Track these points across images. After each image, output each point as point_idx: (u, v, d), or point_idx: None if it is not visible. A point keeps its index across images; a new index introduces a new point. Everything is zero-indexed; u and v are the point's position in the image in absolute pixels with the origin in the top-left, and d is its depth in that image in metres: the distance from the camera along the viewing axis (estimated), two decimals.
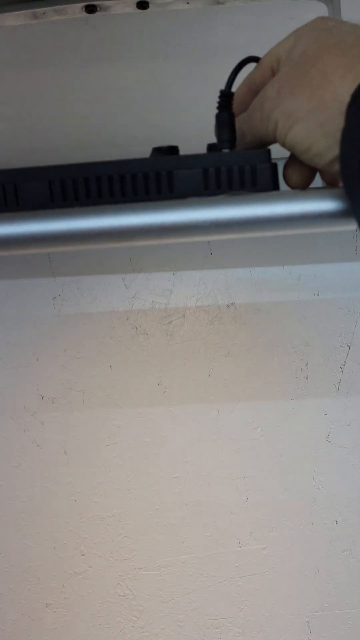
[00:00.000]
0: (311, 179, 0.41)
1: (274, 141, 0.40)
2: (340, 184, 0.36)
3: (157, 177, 0.37)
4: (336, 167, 0.37)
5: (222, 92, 0.41)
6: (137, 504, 0.85)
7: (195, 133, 0.47)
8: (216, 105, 0.41)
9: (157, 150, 0.40)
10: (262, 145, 0.42)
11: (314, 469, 0.85)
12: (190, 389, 0.84)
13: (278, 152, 0.43)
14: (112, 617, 0.87)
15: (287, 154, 0.43)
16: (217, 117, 0.41)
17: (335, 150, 0.37)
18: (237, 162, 0.38)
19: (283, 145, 0.40)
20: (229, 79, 0.40)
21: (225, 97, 0.40)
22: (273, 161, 0.39)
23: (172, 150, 0.41)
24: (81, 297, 0.85)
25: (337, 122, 0.36)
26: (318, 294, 0.84)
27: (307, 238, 0.83)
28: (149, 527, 0.86)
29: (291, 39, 0.42)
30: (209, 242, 0.84)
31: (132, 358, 0.84)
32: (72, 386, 0.85)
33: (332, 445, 0.85)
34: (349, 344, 0.84)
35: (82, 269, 0.84)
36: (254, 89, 0.43)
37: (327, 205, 0.34)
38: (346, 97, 0.36)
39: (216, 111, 0.41)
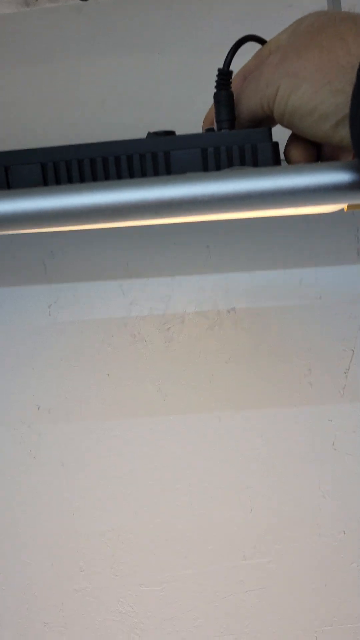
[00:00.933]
0: (314, 157, 0.40)
1: (270, 114, 0.39)
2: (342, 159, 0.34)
3: (153, 158, 0.35)
4: (342, 132, 0.35)
5: (220, 70, 0.39)
6: (137, 517, 0.83)
7: (192, 120, 0.46)
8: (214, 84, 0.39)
9: (154, 134, 0.38)
10: (258, 123, 0.40)
11: (320, 478, 0.82)
12: (191, 397, 0.82)
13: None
14: (113, 635, 0.84)
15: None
16: (216, 96, 0.39)
17: (344, 110, 0.35)
18: (236, 141, 0.36)
19: (282, 114, 0.38)
20: (227, 57, 0.39)
21: (224, 76, 0.39)
22: (274, 140, 0.37)
23: (169, 134, 0.39)
24: (78, 304, 0.82)
25: (348, 78, 0.34)
26: (320, 298, 0.82)
27: (308, 240, 0.81)
28: (149, 542, 0.83)
29: (291, 26, 0.41)
30: (208, 246, 0.82)
31: (130, 366, 0.82)
32: (69, 396, 0.82)
33: (337, 453, 0.82)
34: (352, 349, 0.82)
35: (78, 275, 0.82)
36: None
37: (334, 177, 0.32)
38: None
39: (214, 91, 0.39)
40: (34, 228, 0.34)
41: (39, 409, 0.83)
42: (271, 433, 0.82)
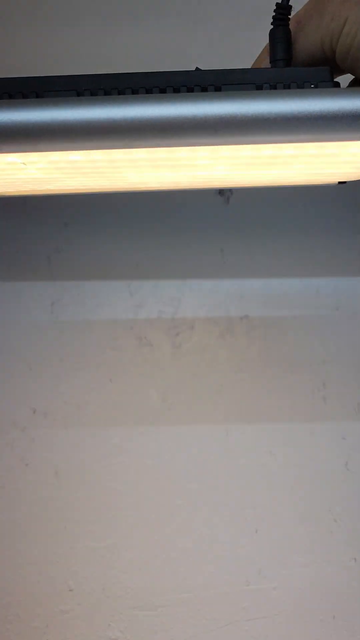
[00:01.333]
0: None
1: (331, 54, 0.35)
2: None
3: (203, 92, 0.32)
4: None
5: (278, 4, 0.35)
6: (134, 533, 0.77)
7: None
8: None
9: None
10: (314, 64, 0.36)
11: (331, 500, 0.77)
12: (198, 407, 0.77)
13: None
14: None
15: None
16: (272, 33, 0.36)
17: None
18: (295, 78, 0.32)
19: (347, 52, 0.34)
20: None
21: (283, 10, 0.35)
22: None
23: None
24: (82, 304, 0.78)
25: None
26: (337, 309, 0.78)
27: (327, 249, 0.78)
28: (146, 561, 0.77)
29: None
30: (222, 250, 0.78)
31: (134, 371, 0.77)
32: (68, 400, 0.77)
33: (351, 473, 0.77)
34: None
35: (85, 273, 0.78)
36: None
37: None
38: None
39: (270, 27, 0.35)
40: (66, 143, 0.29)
41: (34, 412, 0.78)
42: (281, 449, 0.77)
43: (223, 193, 0.78)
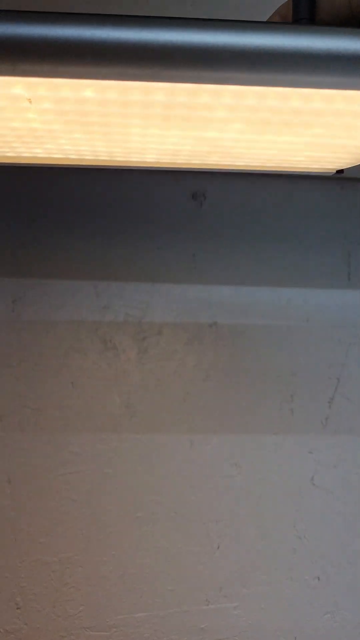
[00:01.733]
0: None
1: (358, 12, 0.34)
2: None
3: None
4: None
5: None
6: (89, 547, 0.72)
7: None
8: None
9: None
10: (342, 22, 0.35)
11: (296, 516, 0.75)
12: (162, 416, 0.74)
13: None
14: None
15: None
16: None
17: None
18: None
19: None
20: None
21: None
22: None
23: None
24: (46, 303, 0.74)
25: None
26: (307, 321, 0.77)
27: (299, 260, 0.77)
28: (101, 577, 0.72)
29: None
30: (194, 255, 0.76)
31: (98, 375, 0.74)
32: (26, 403, 0.73)
33: (316, 489, 0.75)
34: (338, 377, 0.77)
35: (50, 270, 0.74)
36: None
37: None
38: None
39: None
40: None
41: None
42: (247, 462, 0.75)
43: (196, 197, 0.76)
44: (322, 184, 0.76)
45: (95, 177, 0.73)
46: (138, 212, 0.74)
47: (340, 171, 0.48)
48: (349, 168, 0.56)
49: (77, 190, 0.73)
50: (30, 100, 0.33)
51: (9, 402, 0.73)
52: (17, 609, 0.72)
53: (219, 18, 0.29)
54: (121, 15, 0.28)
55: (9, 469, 0.72)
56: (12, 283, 0.74)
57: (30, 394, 0.73)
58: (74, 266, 0.74)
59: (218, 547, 0.74)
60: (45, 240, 0.74)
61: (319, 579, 0.74)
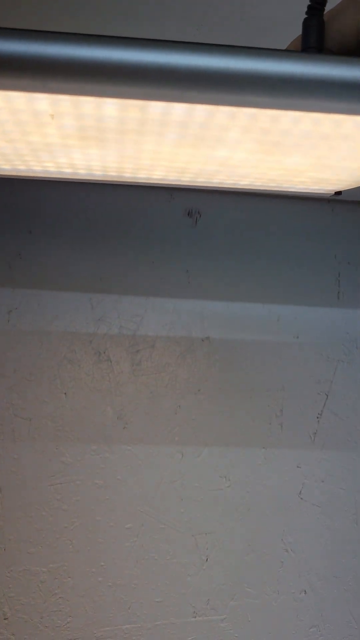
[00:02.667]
0: None
1: None
2: None
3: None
4: None
5: None
6: (78, 558, 0.73)
7: None
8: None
9: None
10: (346, 54, 0.37)
11: (284, 529, 0.76)
12: (154, 428, 0.75)
13: None
14: None
15: None
16: (306, 22, 0.36)
17: None
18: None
19: None
20: None
21: (319, 4, 0.36)
22: None
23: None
24: (41, 313, 0.75)
25: None
26: (297, 337, 0.79)
27: (290, 278, 0.79)
28: (89, 588, 0.73)
29: None
30: (187, 271, 0.78)
31: (91, 386, 0.75)
32: (18, 412, 0.73)
33: (304, 503, 0.76)
34: (326, 392, 0.78)
35: (46, 282, 0.75)
36: None
37: None
38: None
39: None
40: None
41: None
42: (236, 475, 0.76)
43: (191, 214, 0.78)
44: (314, 205, 0.78)
45: (92, 191, 0.74)
46: (134, 227, 0.76)
47: (338, 193, 0.50)
48: (346, 190, 0.58)
49: (73, 203, 0.74)
50: (52, 116, 0.34)
51: (2, 411, 0.73)
52: (5, 619, 0.72)
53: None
54: (145, 39, 0.30)
55: (0, 477, 0.72)
56: (7, 293, 0.75)
57: (23, 403, 0.74)
58: (69, 278, 0.75)
59: (206, 560, 0.74)
60: (41, 251, 0.74)
61: (305, 592, 0.75)
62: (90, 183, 0.74)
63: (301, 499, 0.76)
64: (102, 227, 0.75)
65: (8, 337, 0.74)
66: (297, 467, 0.77)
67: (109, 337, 0.76)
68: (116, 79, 0.29)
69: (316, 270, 0.79)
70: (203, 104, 0.31)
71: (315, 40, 0.36)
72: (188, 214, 0.78)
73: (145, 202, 0.76)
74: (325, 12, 0.38)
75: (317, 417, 0.78)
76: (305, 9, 0.37)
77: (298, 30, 0.42)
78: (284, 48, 0.41)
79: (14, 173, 0.48)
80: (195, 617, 0.74)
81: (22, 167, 0.46)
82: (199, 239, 0.77)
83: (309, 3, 0.37)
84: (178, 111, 0.33)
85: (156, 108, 0.32)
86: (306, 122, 0.34)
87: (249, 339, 0.78)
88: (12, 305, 0.75)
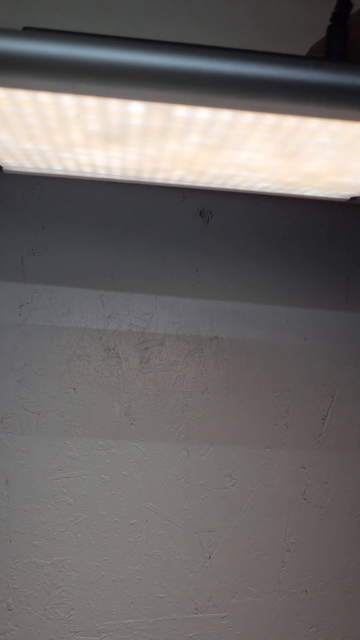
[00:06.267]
0: None
1: None
2: None
3: None
4: None
5: (340, 1, 0.37)
6: (83, 552, 0.73)
7: None
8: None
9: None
10: None
11: (287, 529, 0.76)
12: (161, 425, 0.76)
13: None
14: None
15: None
16: (330, 29, 0.37)
17: None
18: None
19: None
20: None
21: (343, 7, 0.36)
22: None
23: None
24: (52, 309, 0.76)
25: None
26: (305, 339, 0.79)
27: (299, 281, 0.79)
28: (93, 581, 0.73)
29: None
30: (197, 270, 0.78)
31: (100, 382, 0.75)
32: (27, 406, 0.74)
33: (307, 503, 0.77)
34: (332, 395, 0.79)
35: (58, 278, 0.76)
36: None
37: None
38: None
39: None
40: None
41: None
42: (241, 473, 0.76)
43: (203, 214, 0.78)
44: (326, 208, 0.79)
45: (105, 189, 0.75)
46: (146, 225, 0.76)
47: (354, 198, 0.51)
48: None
49: (87, 200, 0.75)
50: (78, 116, 0.34)
51: (11, 404, 0.74)
52: (8, 610, 0.72)
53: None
54: (172, 43, 0.30)
55: (8, 470, 0.73)
56: (19, 288, 0.75)
57: (32, 397, 0.74)
58: (81, 275, 0.76)
59: (209, 557, 0.75)
60: (54, 247, 0.75)
61: (306, 592, 0.76)
62: (104, 181, 0.75)
63: (304, 499, 0.77)
64: (115, 225, 0.76)
65: (19, 331, 0.75)
66: (302, 467, 0.77)
67: (118, 333, 0.76)
68: (142, 82, 0.30)
69: (325, 273, 0.79)
70: (227, 108, 0.31)
71: (339, 47, 0.37)
72: (200, 214, 0.78)
73: (158, 202, 0.76)
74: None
75: (323, 419, 0.78)
76: (330, 16, 0.38)
77: (318, 35, 0.42)
78: (305, 53, 0.41)
79: (34, 171, 0.48)
80: (197, 614, 0.74)
81: (43, 166, 0.46)
82: (210, 239, 0.78)
83: (334, 10, 0.37)
84: (202, 115, 0.33)
85: (180, 111, 0.33)
86: (329, 128, 0.35)
87: (257, 340, 0.78)
88: (23, 300, 0.75)
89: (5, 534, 0.73)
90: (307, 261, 0.79)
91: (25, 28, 0.32)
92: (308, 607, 0.76)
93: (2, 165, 0.48)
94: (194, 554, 0.75)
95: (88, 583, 0.73)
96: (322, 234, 0.79)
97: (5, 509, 0.73)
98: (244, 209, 0.77)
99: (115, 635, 0.73)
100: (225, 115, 0.33)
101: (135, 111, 0.34)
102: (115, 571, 0.74)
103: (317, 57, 0.35)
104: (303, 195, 0.57)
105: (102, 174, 0.49)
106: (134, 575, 0.74)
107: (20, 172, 0.49)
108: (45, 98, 0.32)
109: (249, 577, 0.75)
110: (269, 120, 0.33)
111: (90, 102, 0.33)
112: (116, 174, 0.49)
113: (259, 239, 0.78)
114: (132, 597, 0.74)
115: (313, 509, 0.77)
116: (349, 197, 0.50)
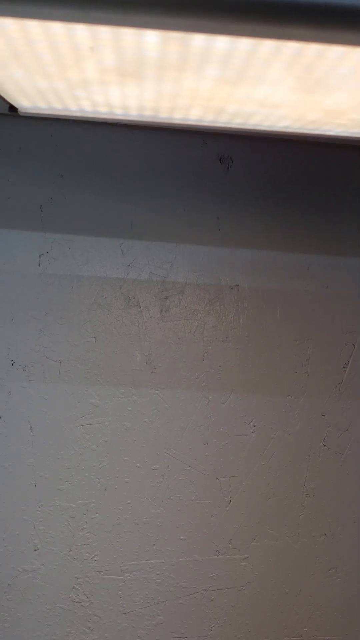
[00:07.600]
0: None
1: None
2: None
3: None
4: None
5: None
6: (106, 495, 0.75)
7: None
8: None
9: None
10: None
11: (306, 475, 0.77)
12: (181, 373, 0.76)
13: None
14: (62, 626, 0.75)
15: None
16: None
17: None
18: None
19: None
20: None
21: None
22: None
23: None
24: (72, 258, 0.76)
25: None
26: (327, 287, 0.78)
27: (320, 228, 0.78)
28: (116, 524, 0.75)
29: None
30: (218, 218, 0.77)
31: (120, 331, 0.76)
32: (49, 354, 0.75)
33: (327, 450, 0.78)
34: (354, 343, 0.78)
35: (77, 227, 0.76)
36: None
37: None
38: None
39: None
40: None
41: (12, 364, 0.75)
42: (261, 421, 0.77)
43: (223, 160, 0.77)
44: (348, 153, 0.77)
45: (124, 134, 0.74)
46: (166, 172, 0.75)
47: None
48: None
49: (105, 147, 0.74)
50: (92, 49, 0.34)
51: (32, 353, 0.75)
52: (35, 550, 0.75)
53: None
54: None
55: (32, 417, 0.74)
56: (39, 238, 0.75)
57: (53, 346, 0.75)
58: (100, 224, 0.75)
59: (230, 502, 0.76)
60: (72, 196, 0.75)
61: (325, 535, 0.77)
62: (123, 125, 0.73)
63: (325, 446, 0.78)
64: (134, 172, 0.75)
65: (39, 280, 0.75)
66: (322, 415, 0.78)
67: (138, 282, 0.76)
68: (158, 9, 0.29)
69: (347, 219, 0.78)
70: (246, 36, 0.30)
71: None
72: (220, 160, 0.77)
73: (177, 147, 0.75)
74: None
75: (344, 367, 0.78)
76: None
77: None
78: None
79: (49, 112, 0.48)
80: (217, 555, 0.76)
81: (58, 106, 0.46)
82: (231, 185, 0.76)
83: None
84: (220, 45, 0.32)
85: (198, 41, 0.32)
86: (352, 57, 0.33)
87: (278, 288, 0.78)
88: (43, 249, 0.75)
89: (31, 478, 0.74)
90: (328, 208, 0.77)
91: None
92: (327, 550, 0.77)
93: (17, 107, 0.47)
94: (214, 498, 0.76)
95: (111, 525, 0.75)
96: (344, 180, 0.77)
97: (30, 454, 0.74)
98: (264, 155, 0.76)
99: (139, 575, 0.75)
100: (243, 44, 0.32)
101: (150, 41, 0.33)
102: (138, 514, 0.75)
103: None
104: (326, 135, 0.56)
105: (118, 114, 0.48)
106: (156, 518, 0.76)
107: (36, 114, 0.48)
108: (58, 29, 0.31)
109: (268, 521, 0.77)
110: (289, 48, 0.32)
111: (105, 33, 0.32)
112: (133, 114, 0.48)
113: (280, 185, 0.76)
114: (155, 539, 0.76)
115: (333, 456, 0.78)
116: None
